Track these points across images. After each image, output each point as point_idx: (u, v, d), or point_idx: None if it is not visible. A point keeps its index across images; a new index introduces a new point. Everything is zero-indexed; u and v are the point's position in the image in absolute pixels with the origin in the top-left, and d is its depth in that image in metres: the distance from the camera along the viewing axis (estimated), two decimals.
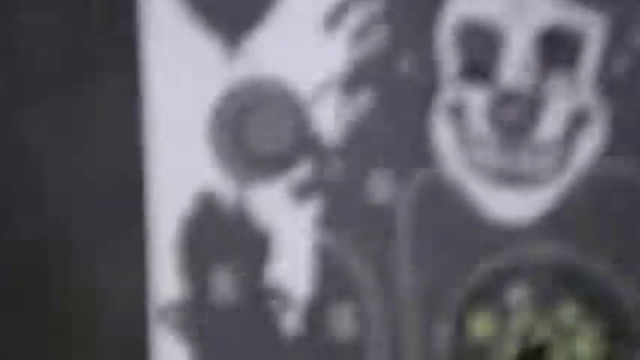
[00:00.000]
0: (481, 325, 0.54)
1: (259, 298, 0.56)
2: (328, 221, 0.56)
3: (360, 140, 0.55)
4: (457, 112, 0.55)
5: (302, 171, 0.56)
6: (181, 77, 0.55)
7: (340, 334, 0.56)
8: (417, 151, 0.54)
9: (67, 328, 0.65)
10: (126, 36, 0.57)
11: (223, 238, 0.56)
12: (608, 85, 0.54)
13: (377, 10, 0.56)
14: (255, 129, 0.55)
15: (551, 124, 0.53)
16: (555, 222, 0.54)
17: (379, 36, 0.56)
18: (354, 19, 0.56)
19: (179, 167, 0.55)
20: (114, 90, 0.57)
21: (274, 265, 0.56)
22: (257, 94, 0.55)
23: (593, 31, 0.53)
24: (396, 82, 0.55)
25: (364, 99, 0.56)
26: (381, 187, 0.55)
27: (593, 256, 0.54)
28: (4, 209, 0.66)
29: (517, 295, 0.55)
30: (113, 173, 0.60)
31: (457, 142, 0.55)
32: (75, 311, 0.63)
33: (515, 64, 0.54)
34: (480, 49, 0.55)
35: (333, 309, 0.55)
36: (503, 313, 0.54)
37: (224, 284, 0.55)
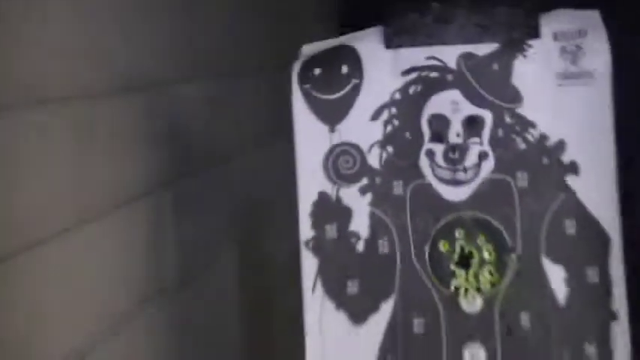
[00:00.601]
0: (444, 246, 1.21)
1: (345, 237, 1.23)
2: (375, 203, 1.22)
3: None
4: (431, 154, 1.22)
5: (362, 182, 1.23)
6: (309, 143, 1.21)
7: None
8: (413, 171, 1.21)
9: None
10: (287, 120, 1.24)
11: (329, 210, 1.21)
12: (496, 141, 1.21)
13: (395, 109, 1.22)
14: (343, 164, 1.21)
15: (471, 158, 1.21)
16: (474, 200, 1.21)
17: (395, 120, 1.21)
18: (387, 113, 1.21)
19: (309, 182, 1.22)
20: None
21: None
22: (344, 149, 1.22)
23: (487, 119, 1.19)
24: (403, 141, 1.21)
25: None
26: (398, 189, 1.21)
27: (492, 216, 1.22)
28: None
29: (459, 233, 1.22)
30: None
31: (431, 167, 1.23)
32: None
33: (455, 133, 1.23)
34: (439, 127, 1.22)
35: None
36: (453, 241, 1.21)
37: (330, 231, 1.21)
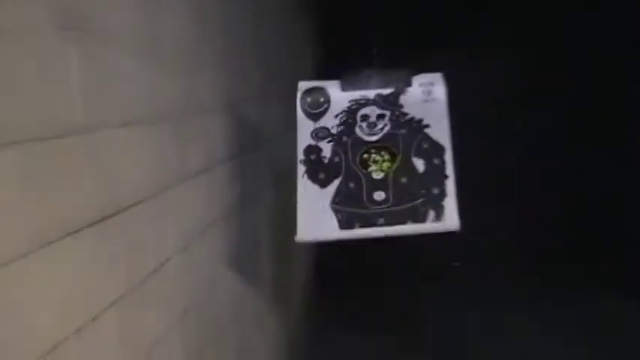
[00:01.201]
0: (366, 154, 3.08)
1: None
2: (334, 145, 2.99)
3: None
4: (360, 127, 3.13)
5: (328, 139, 3.10)
6: (303, 128, 2.94)
7: None
8: (352, 133, 3.00)
9: None
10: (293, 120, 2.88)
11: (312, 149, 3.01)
12: (391, 121, 3.02)
13: (344, 114, 3.00)
14: (319, 134, 3.04)
15: (378, 128, 3.07)
16: (380, 140, 3.03)
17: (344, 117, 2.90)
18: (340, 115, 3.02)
19: (303, 140, 3.12)
20: None
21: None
22: (320, 127, 3.05)
23: (387, 114, 3.10)
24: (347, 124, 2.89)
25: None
26: (345, 139, 3.07)
27: (388, 143, 3.06)
28: None
29: (373, 150, 3.05)
30: None
31: (361, 131, 3.08)
32: None
33: (374, 117, 3.06)
34: (365, 117, 3.13)
35: None
36: (370, 154, 3.08)
37: (312, 156, 3.07)
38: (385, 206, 2.88)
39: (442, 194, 2.90)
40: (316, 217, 2.87)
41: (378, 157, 2.91)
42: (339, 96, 2.96)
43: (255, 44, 4.07)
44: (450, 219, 2.87)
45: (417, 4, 6.57)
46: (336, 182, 2.90)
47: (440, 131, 2.93)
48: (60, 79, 1.59)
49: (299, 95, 2.96)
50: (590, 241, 6.91)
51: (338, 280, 5.67)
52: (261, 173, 4.10)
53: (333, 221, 2.87)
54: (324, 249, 4.97)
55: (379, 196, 2.89)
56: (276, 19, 5.27)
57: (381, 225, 2.88)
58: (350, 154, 2.92)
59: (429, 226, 2.87)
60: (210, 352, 2.84)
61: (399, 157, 2.92)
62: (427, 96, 2.96)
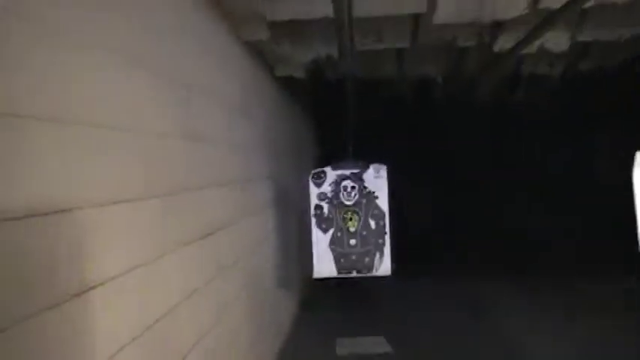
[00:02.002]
0: (346, 214, 4.77)
1: None
2: (329, 205, 4.35)
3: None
4: (343, 192, 4.73)
5: (326, 201, 4.71)
6: (313, 192, 4.46)
7: None
8: (337, 198, 4.48)
9: None
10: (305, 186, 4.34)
11: (319, 207, 4.36)
12: (358, 191, 4.31)
13: (334, 184, 4.53)
14: (321, 196, 4.47)
15: (352, 195, 4.65)
16: (353, 205, 4.60)
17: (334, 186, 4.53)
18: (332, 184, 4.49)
19: (313, 201, 4.57)
20: None
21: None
22: (322, 192, 4.41)
23: (357, 186, 4.60)
24: (335, 192, 4.35)
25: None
26: (335, 202, 4.70)
27: (358, 209, 4.44)
28: None
29: (349, 211, 4.67)
30: None
31: (343, 197, 4.60)
32: None
33: (350, 188, 4.44)
34: (345, 187, 4.63)
35: None
36: (347, 213, 4.50)
37: (318, 214, 4.44)
38: (355, 249, 4.97)
39: (383, 243, 5.00)
40: (322, 258, 4.92)
41: (352, 217, 4.91)
42: (331, 173, 5.03)
43: (287, 142, 5.91)
44: (385, 268, 5.02)
45: (375, 127, 9.10)
46: (331, 231, 4.96)
47: (382, 200, 4.99)
48: (185, 163, 2.85)
49: (310, 176, 5.06)
50: None
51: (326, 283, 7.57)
52: (288, 213, 6.02)
53: (332, 264, 4.90)
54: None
55: (352, 242, 5.00)
56: (296, 127, 7.46)
57: (353, 267, 4.99)
58: (337, 213, 4.94)
59: (377, 273, 5.03)
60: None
61: (361, 219, 4.95)
62: (377, 173, 5.02)
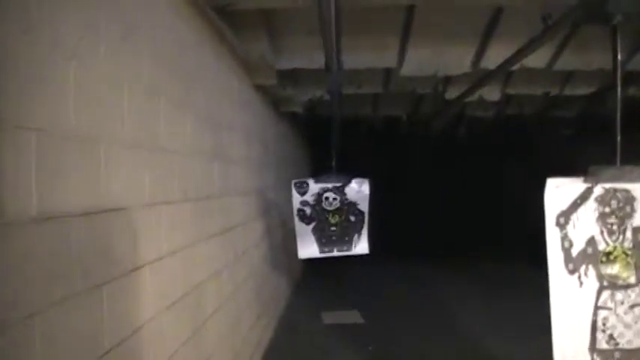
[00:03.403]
0: (330, 215, 4.26)
1: None
2: (312, 208, 4.25)
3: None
4: (326, 201, 4.09)
5: (309, 205, 4.09)
6: (296, 198, 4.18)
7: None
8: (320, 204, 4.17)
9: None
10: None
11: (302, 209, 4.18)
12: (341, 202, 4.19)
13: (317, 194, 4.14)
14: (304, 203, 4.08)
15: (334, 204, 4.09)
16: (335, 209, 4.09)
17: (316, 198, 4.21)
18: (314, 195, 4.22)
19: (296, 204, 4.16)
20: None
21: None
22: (305, 200, 4.13)
23: (338, 197, 4.08)
24: (317, 201, 4.27)
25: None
26: (318, 207, 4.16)
27: (340, 211, 4.14)
28: None
29: (332, 213, 4.09)
30: None
31: (325, 204, 4.10)
32: None
33: (332, 198, 4.12)
34: (328, 197, 4.10)
35: None
36: (330, 215, 4.23)
37: (301, 212, 4.27)
38: (336, 232, 4.06)
39: (362, 227, 4.07)
40: (306, 242, 4.04)
41: (334, 215, 4.02)
42: (314, 185, 4.03)
43: (289, 160, 5.88)
44: (363, 247, 4.14)
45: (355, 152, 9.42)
46: (314, 223, 4.02)
47: (364, 207, 4.07)
48: (210, 176, 2.95)
49: (293, 185, 4.05)
50: None
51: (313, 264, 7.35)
52: (285, 215, 5.86)
53: (314, 245, 4.03)
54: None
55: (333, 230, 4.05)
56: (295, 149, 7.55)
57: (334, 247, 4.08)
58: (320, 213, 4.03)
59: (355, 251, 4.14)
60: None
61: (343, 215, 4.05)
62: (359, 188, 4.07)
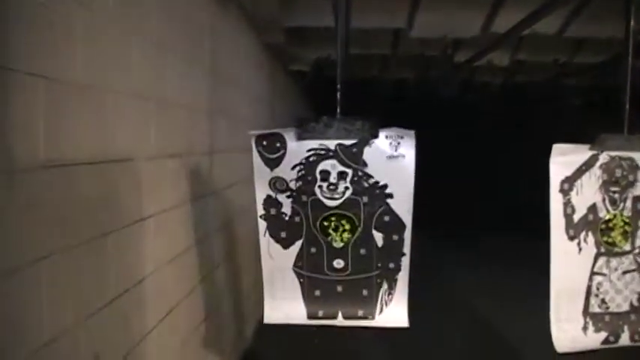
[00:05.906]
0: (327, 222, 1.91)
1: None
2: (293, 202, 1.94)
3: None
4: (320, 187, 1.90)
5: (287, 193, 1.91)
6: (260, 175, 1.90)
7: None
8: (311, 193, 1.90)
9: None
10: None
11: (271, 202, 1.94)
12: (353, 182, 1.98)
13: (302, 166, 1.88)
14: (277, 185, 1.90)
15: (339, 190, 1.89)
16: (340, 206, 1.91)
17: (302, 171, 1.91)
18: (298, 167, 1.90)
19: (262, 191, 1.96)
20: None
21: None
22: (278, 177, 1.92)
23: (349, 173, 1.87)
24: (305, 180, 1.94)
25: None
26: (304, 199, 1.91)
27: (349, 212, 1.90)
28: None
29: (333, 218, 1.91)
30: None
31: (320, 192, 1.90)
32: None
33: (333, 178, 1.89)
34: (325, 175, 1.90)
35: None
36: (330, 221, 1.92)
37: (272, 211, 1.99)
38: (344, 274, 1.97)
39: (397, 269, 1.97)
40: (278, 289, 2.01)
41: (338, 225, 1.92)
42: (295, 144, 1.87)
43: (291, 117, 6.04)
44: (396, 314, 2.00)
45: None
46: (298, 244, 1.95)
47: (402, 202, 1.90)
48: (217, 132, 3.05)
49: (253, 140, 1.90)
50: None
51: None
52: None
53: (298, 300, 2.00)
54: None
55: (338, 263, 1.95)
56: (300, 107, 7.27)
57: (339, 307, 2.01)
58: (311, 217, 1.93)
59: (381, 320, 2.01)
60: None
61: (359, 229, 1.91)
62: (394, 151, 1.85)
